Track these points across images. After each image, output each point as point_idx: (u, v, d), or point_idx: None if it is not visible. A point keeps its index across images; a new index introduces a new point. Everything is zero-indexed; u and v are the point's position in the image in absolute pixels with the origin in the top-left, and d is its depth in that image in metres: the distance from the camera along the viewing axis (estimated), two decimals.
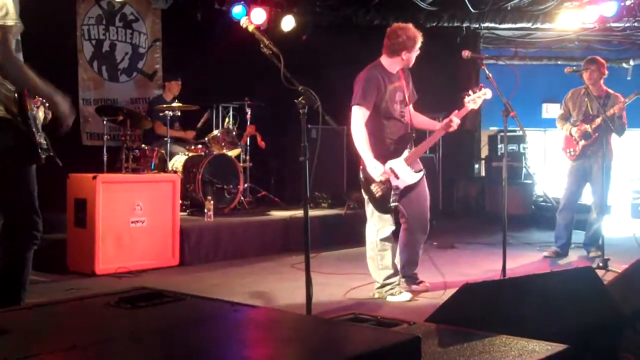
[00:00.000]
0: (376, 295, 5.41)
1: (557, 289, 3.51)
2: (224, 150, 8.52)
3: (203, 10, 9.71)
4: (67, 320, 2.42)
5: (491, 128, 12.23)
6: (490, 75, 5.38)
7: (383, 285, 5.36)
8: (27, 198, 3.92)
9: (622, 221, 10.24)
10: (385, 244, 5.36)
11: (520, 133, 10.30)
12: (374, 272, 5.43)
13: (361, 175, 5.31)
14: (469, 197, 11.56)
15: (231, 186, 8.33)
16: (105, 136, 7.91)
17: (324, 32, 10.66)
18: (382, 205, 5.27)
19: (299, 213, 7.88)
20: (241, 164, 8.90)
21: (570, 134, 7.38)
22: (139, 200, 6.51)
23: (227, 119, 9.45)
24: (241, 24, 4.26)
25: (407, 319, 3.01)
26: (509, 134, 10.38)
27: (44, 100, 3.87)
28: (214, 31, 9.60)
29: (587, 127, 7.23)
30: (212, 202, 7.57)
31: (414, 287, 5.59)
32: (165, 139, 8.13)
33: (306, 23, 10.60)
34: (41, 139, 3.81)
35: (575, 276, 3.82)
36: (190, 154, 8.44)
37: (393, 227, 5.36)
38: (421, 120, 5.65)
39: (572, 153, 7.38)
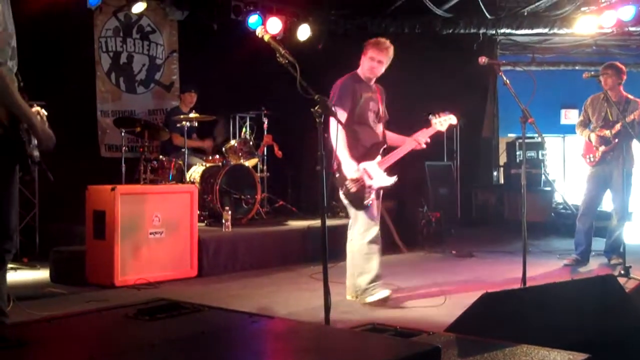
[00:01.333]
0: (356, 298, 5.49)
1: (578, 297, 3.47)
2: (241, 161, 8.53)
3: (219, 21, 9.75)
4: (85, 332, 2.42)
5: (509, 135, 12.18)
6: (508, 81, 5.37)
7: (365, 290, 5.42)
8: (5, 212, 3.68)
9: None
10: (372, 246, 5.43)
11: (539, 139, 10.24)
12: (354, 277, 5.49)
13: (337, 174, 5.43)
14: (487, 204, 11.49)
15: (249, 196, 8.34)
16: (124, 148, 7.94)
17: (340, 40, 10.68)
18: (358, 201, 5.40)
19: (317, 223, 7.87)
20: (258, 174, 8.91)
21: (590, 139, 7.33)
22: (157, 212, 6.52)
23: (244, 129, 9.48)
24: (257, 33, 4.27)
25: (426, 329, 2.99)
26: (527, 140, 10.35)
27: (39, 111, 3.78)
28: (230, 41, 9.64)
29: (607, 133, 7.16)
30: (229, 212, 7.58)
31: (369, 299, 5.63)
32: (183, 149, 8.16)
33: (322, 32, 10.63)
34: (33, 150, 3.71)
35: (596, 284, 3.77)
36: (208, 165, 8.46)
37: (377, 227, 5.47)
38: (392, 138, 5.75)
39: (592, 159, 7.33)
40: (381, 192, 5.64)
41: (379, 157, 5.52)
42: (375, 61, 5.55)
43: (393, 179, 5.52)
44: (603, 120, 7.28)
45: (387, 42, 5.60)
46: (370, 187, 5.40)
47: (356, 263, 5.48)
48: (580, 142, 7.59)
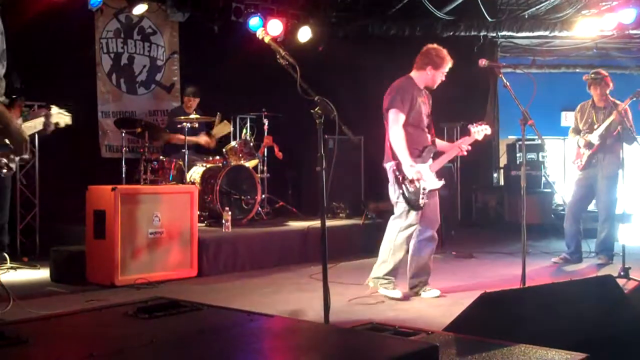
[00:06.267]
0: (370, 284, 5.72)
1: (577, 297, 3.48)
2: (242, 161, 8.53)
3: (220, 23, 9.75)
4: (85, 330, 2.43)
5: (509, 137, 12.18)
6: (508, 84, 5.38)
7: (380, 278, 5.67)
8: None
9: None
10: (403, 243, 5.64)
11: (539, 142, 10.25)
12: (379, 264, 5.70)
13: (397, 173, 5.57)
14: (487, 206, 11.50)
15: (249, 197, 8.35)
16: (124, 148, 7.96)
17: (341, 42, 10.69)
18: (414, 201, 5.56)
19: (317, 223, 7.88)
20: (259, 175, 8.92)
21: (578, 145, 7.60)
22: (158, 212, 6.53)
23: (244, 130, 9.49)
24: (257, 35, 4.28)
25: (425, 328, 3.00)
26: (527, 142, 10.34)
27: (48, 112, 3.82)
28: (231, 43, 9.66)
29: (589, 137, 7.43)
30: (229, 213, 7.58)
31: (424, 294, 5.77)
32: (184, 150, 8.17)
33: (322, 34, 10.63)
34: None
35: (595, 284, 3.79)
36: (208, 165, 8.46)
37: (414, 227, 5.66)
38: (438, 143, 5.98)
39: (580, 163, 7.59)
40: (437, 194, 5.85)
41: (430, 161, 5.74)
42: (444, 75, 5.80)
43: (441, 183, 5.76)
44: (589, 126, 7.53)
45: None
46: (424, 188, 5.59)
47: (385, 250, 5.68)
48: (573, 148, 7.84)
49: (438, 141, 5.97)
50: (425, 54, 5.77)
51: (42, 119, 4.10)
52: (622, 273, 6.31)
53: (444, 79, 5.84)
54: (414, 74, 5.81)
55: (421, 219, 5.69)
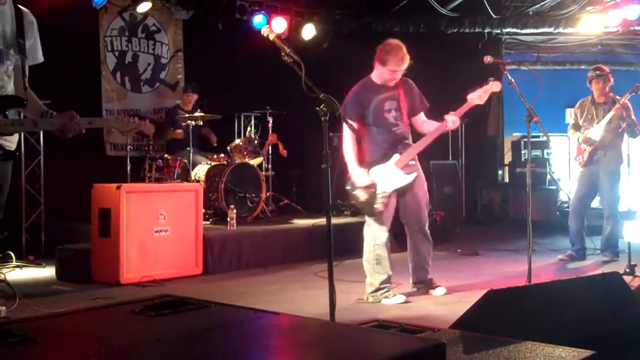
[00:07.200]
0: (370, 300, 5.51)
1: (583, 294, 3.47)
2: (246, 159, 8.54)
3: (224, 20, 9.76)
4: (91, 327, 2.44)
5: (514, 134, 12.16)
6: (513, 80, 5.37)
7: (377, 289, 5.49)
8: None
9: None
10: (381, 249, 5.51)
11: (544, 138, 10.24)
12: (370, 276, 5.55)
13: (347, 182, 5.50)
14: (492, 203, 11.48)
15: (253, 195, 8.35)
16: (129, 146, 7.97)
17: (345, 40, 10.68)
18: (368, 208, 5.46)
19: (322, 221, 7.88)
20: (263, 173, 8.92)
21: (579, 141, 7.57)
22: (163, 210, 6.54)
23: (248, 128, 9.49)
24: (262, 32, 4.28)
25: (431, 326, 2.99)
26: (532, 139, 10.31)
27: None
28: (235, 41, 9.66)
29: (589, 134, 7.43)
30: (234, 210, 7.59)
31: (430, 291, 5.71)
32: (188, 148, 8.18)
33: (327, 31, 10.64)
34: None
35: (601, 282, 3.77)
36: (213, 163, 8.47)
37: (387, 233, 5.53)
38: (431, 128, 5.63)
39: (581, 160, 7.56)
40: (414, 187, 5.56)
41: (396, 156, 5.44)
42: (397, 72, 5.47)
43: (412, 177, 5.48)
44: (589, 122, 7.52)
45: (403, 49, 5.44)
46: (384, 192, 5.42)
47: (369, 262, 5.57)
48: (574, 145, 7.82)
49: (432, 124, 5.59)
50: (377, 50, 5.50)
51: (53, 121, 4.06)
52: (628, 270, 6.29)
53: (397, 77, 5.49)
54: (374, 71, 5.58)
55: (402, 218, 5.63)
